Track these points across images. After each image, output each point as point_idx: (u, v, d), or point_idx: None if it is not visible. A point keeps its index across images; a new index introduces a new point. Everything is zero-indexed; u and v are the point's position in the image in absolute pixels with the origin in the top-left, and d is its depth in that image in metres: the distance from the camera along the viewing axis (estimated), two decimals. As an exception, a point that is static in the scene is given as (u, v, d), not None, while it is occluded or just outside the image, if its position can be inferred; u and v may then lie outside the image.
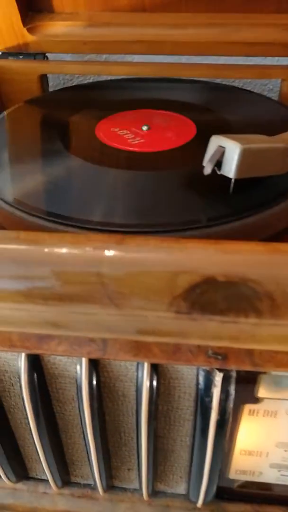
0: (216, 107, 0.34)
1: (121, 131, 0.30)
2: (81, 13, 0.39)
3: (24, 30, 0.38)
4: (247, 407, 0.20)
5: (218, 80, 0.40)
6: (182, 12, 0.38)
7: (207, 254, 0.16)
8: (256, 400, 0.20)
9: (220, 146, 0.21)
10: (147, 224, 0.21)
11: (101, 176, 0.25)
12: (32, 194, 0.24)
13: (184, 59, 0.40)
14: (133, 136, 0.29)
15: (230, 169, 0.21)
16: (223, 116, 0.31)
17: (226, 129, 0.29)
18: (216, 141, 0.22)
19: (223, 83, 0.40)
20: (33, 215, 0.22)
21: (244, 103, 0.34)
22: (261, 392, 0.20)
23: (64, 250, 0.16)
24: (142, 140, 0.29)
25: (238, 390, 0.19)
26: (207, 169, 0.22)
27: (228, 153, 0.21)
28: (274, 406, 0.20)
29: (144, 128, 0.30)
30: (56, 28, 0.39)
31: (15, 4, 0.36)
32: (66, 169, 0.27)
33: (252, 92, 0.37)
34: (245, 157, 0.21)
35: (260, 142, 0.22)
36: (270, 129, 0.25)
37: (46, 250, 0.16)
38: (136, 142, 0.29)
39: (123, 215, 0.22)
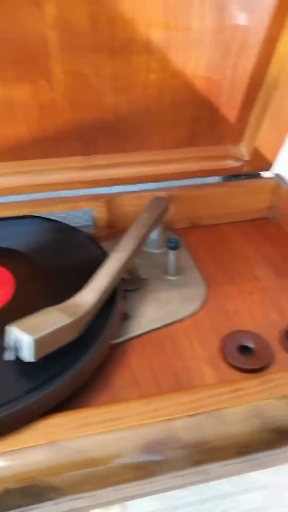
0: (32, 246, 0.39)
1: None
2: None
3: None
4: None
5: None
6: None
7: None
8: None
9: (16, 336, 0.26)
10: None
11: None
12: None
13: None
14: None
15: (27, 355, 0.26)
16: (36, 261, 0.37)
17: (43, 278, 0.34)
18: (11, 331, 0.26)
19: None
20: None
21: (53, 237, 0.40)
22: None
23: None
24: None
25: None
26: (8, 357, 0.26)
27: (23, 343, 0.26)
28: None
29: None
30: None
31: None
32: None
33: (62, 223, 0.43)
34: (39, 343, 0.26)
35: (50, 323, 0.27)
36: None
37: None
38: None
39: None
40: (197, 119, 0.43)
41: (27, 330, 0.26)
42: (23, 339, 0.26)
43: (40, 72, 0.36)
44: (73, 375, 0.28)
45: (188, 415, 0.27)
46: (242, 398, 0.28)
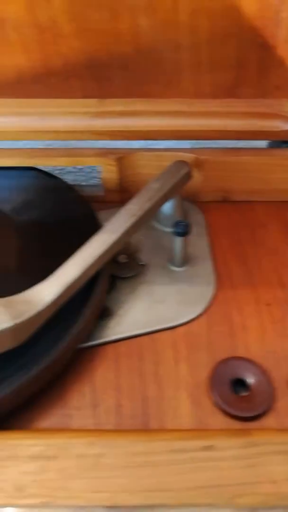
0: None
1: None
2: None
3: None
4: None
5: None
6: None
7: None
8: None
9: None
10: None
11: None
12: None
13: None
14: None
15: None
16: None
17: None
18: None
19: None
20: None
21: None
22: None
23: None
24: None
25: None
26: None
27: None
28: None
29: None
30: None
31: None
32: None
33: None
34: None
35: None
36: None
37: None
38: None
39: None
40: (243, 61, 0.32)
41: None
42: None
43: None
44: (16, 389, 0.23)
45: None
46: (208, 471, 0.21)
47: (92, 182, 0.45)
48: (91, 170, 0.46)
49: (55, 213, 0.33)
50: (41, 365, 0.23)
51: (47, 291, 0.24)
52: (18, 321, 0.22)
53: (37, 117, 0.36)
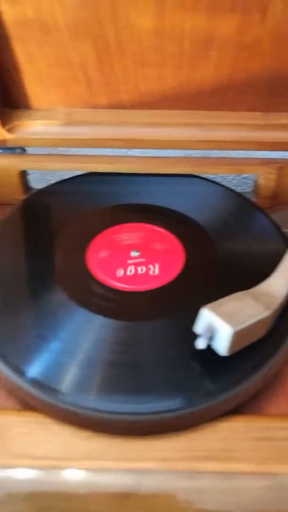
0: (201, 213, 0.35)
1: (110, 258, 0.31)
2: (59, 110, 0.39)
3: (3, 130, 0.38)
4: None
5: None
6: (159, 109, 0.38)
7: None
8: None
9: (211, 323, 0.23)
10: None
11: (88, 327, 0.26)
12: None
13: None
14: (122, 267, 0.31)
15: (222, 348, 0.23)
16: (212, 236, 0.33)
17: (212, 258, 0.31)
18: (206, 317, 0.23)
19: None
20: None
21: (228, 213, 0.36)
22: None
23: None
24: (130, 273, 0.30)
25: None
26: (200, 345, 0.23)
27: (221, 334, 0.23)
28: None
29: (134, 254, 0.31)
30: (34, 126, 0.38)
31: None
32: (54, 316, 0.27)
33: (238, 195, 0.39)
34: (236, 337, 0.23)
35: (248, 315, 0.23)
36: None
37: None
38: (123, 276, 0.30)
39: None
40: None
41: (226, 319, 0.23)
42: (222, 329, 0.23)
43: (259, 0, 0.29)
44: (263, 374, 0.25)
45: None
46: None
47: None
48: (222, 180, 0.49)
49: (236, 220, 0.35)
50: (274, 358, 0.25)
51: (280, 285, 0.26)
52: (269, 312, 0.24)
53: (204, 128, 0.38)
